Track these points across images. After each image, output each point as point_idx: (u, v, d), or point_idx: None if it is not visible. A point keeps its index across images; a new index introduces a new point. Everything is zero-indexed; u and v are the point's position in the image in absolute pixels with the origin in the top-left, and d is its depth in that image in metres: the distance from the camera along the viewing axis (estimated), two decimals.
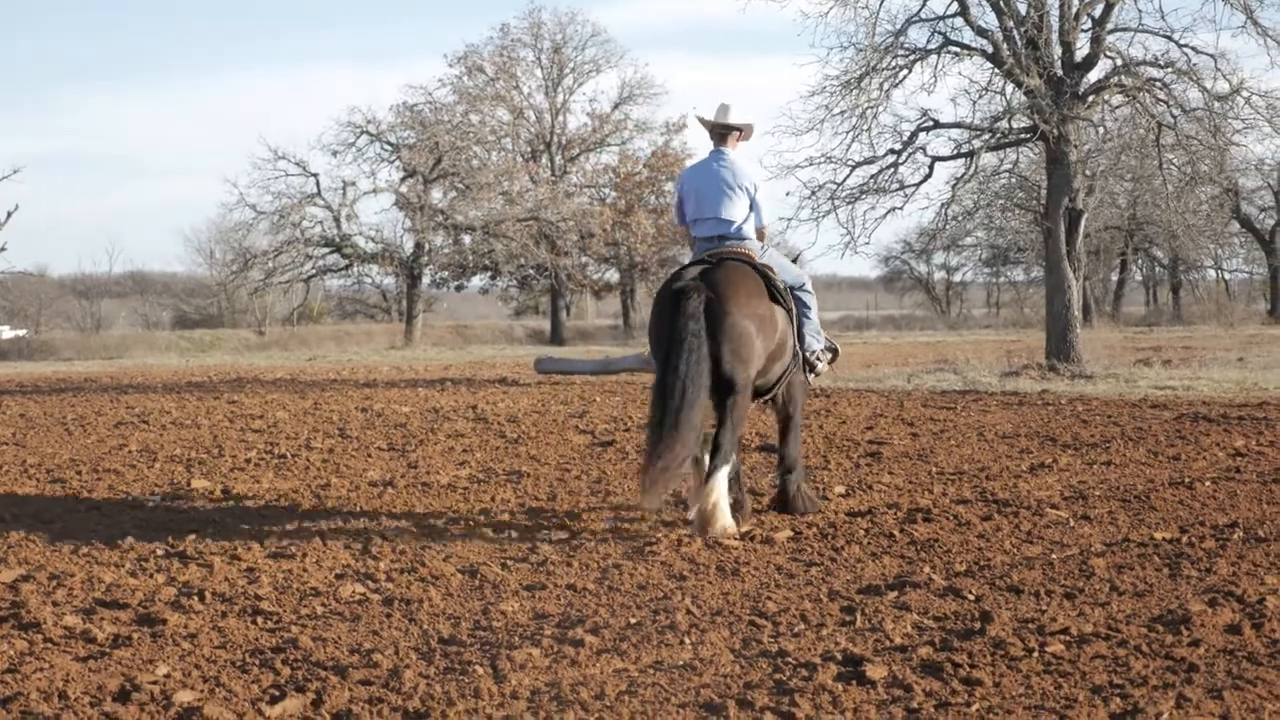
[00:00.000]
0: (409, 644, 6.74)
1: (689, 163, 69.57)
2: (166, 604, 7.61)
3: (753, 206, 10.72)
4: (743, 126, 10.89)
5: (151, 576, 8.38)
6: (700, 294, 9.77)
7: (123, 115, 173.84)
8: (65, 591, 7.97)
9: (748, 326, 9.89)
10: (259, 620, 7.28)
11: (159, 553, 9.13)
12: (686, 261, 10.73)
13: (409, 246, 57.75)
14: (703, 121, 10.94)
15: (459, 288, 69.15)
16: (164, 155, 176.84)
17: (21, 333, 75.39)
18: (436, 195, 57.94)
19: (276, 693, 5.99)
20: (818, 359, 11.00)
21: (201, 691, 6.00)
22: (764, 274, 10.36)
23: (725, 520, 9.68)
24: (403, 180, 57.07)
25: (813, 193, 27.00)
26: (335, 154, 56.28)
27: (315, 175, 55.06)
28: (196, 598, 7.73)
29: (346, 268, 58.73)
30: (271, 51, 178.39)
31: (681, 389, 9.47)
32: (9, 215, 61.34)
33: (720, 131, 10.84)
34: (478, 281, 68.37)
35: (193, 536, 9.65)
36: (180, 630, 7.03)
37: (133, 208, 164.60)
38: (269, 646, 6.73)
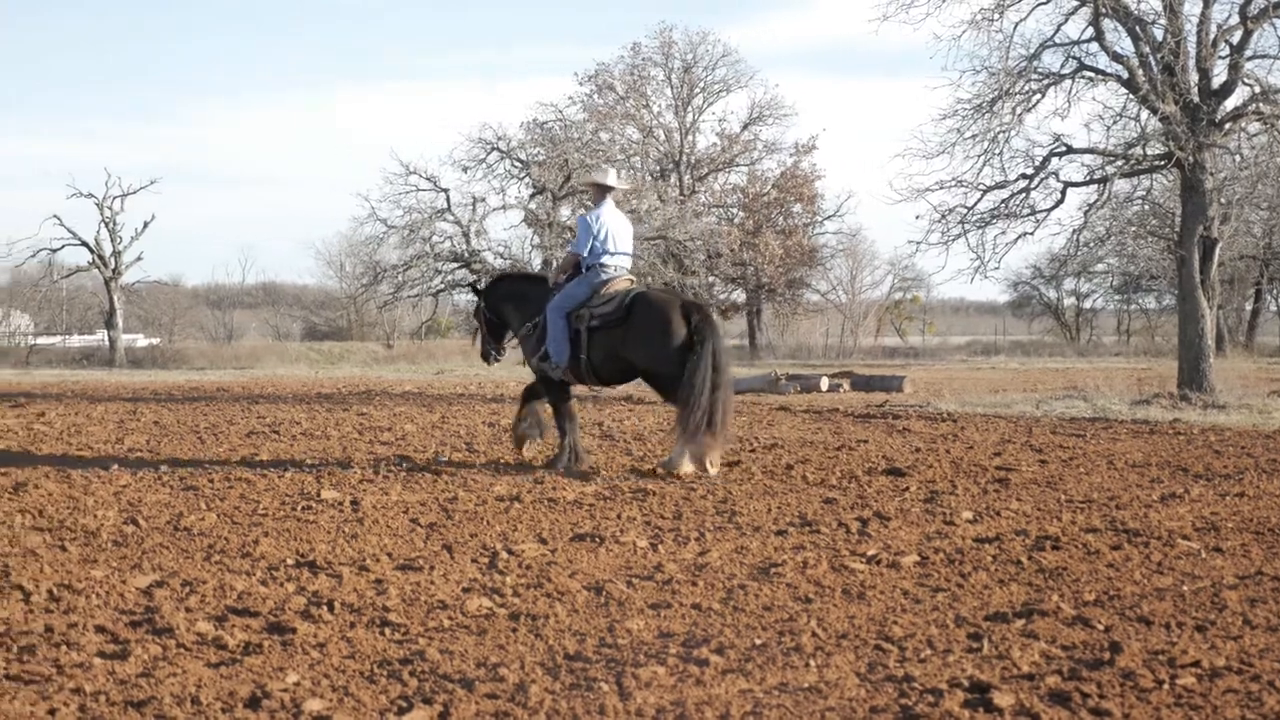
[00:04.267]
0: (535, 659, 6.78)
1: (818, 184, 69.51)
2: (296, 613, 7.70)
3: None
4: (621, 187, 16.02)
5: (282, 585, 8.48)
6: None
7: (257, 128, 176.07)
8: (198, 598, 8.08)
9: None
10: (387, 631, 7.34)
11: (289, 562, 9.24)
12: (605, 278, 14.76)
13: (537, 263, 57.88)
14: (594, 181, 15.47)
15: None
16: (297, 168, 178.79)
17: (155, 341, 76.50)
18: (565, 212, 58.06)
19: (404, 704, 6.05)
20: None
21: (330, 700, 6.07)
22: None
23: None
24: (532, 197, 57.20)
25: (943, 216, 26.88)
26: (466, 170, 56.39)
27: (446, 191, 55.25)
28: (326, 608, 7.81)
29: (475, 283, 58.98)
30: (404, 67, 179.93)
31: (728, 376, 14.56)
32: (145, 225, 62.46)
33: (607, 188, 15.20)
34: None
35: (323, 547, 9.76)
36: (310, 639, 7.11)
37: (265, 220, 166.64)
38: (397, 658, 6.79)
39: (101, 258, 61.59)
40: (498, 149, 56.96)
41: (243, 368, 50.93)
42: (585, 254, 14.83)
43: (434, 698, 6.12)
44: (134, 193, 62.01)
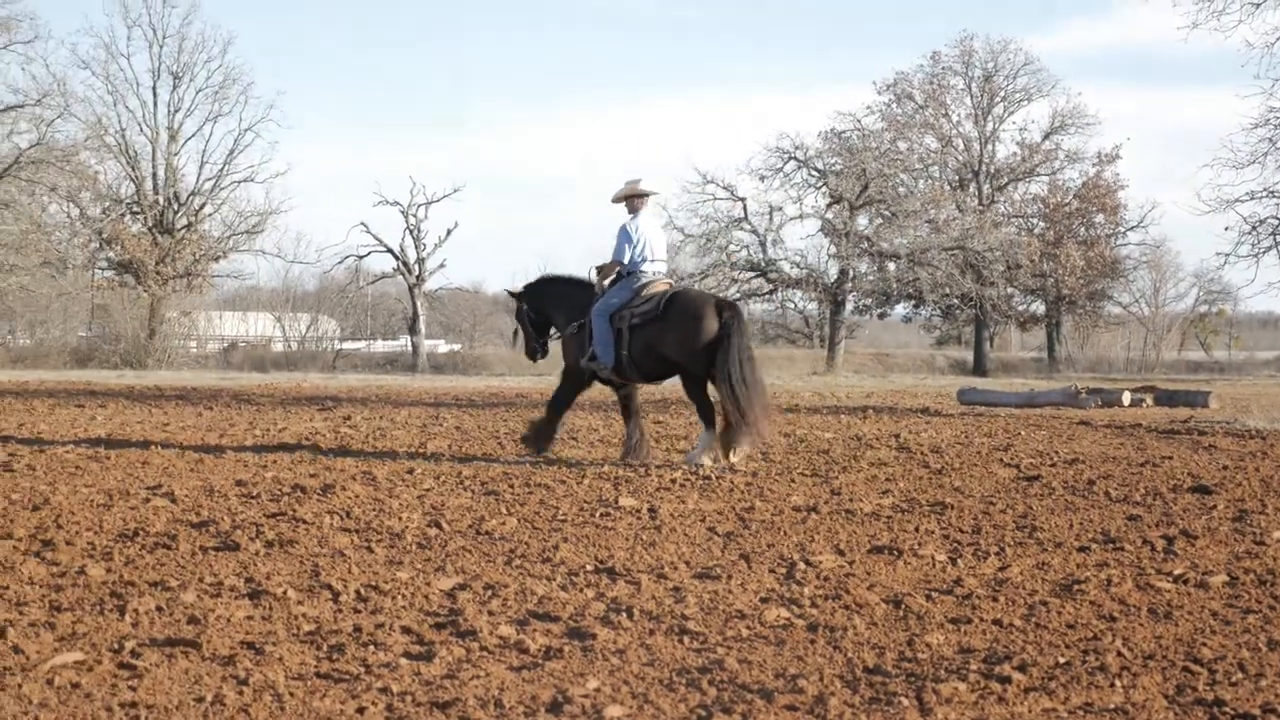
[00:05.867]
0: (833, 671, 6.73)
1: (1121, 194, 68.10)
2: (596, 619, 7.77)
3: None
4: (654, 194, 16.58)
5: (581, 591, 8.57)
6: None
7: (556, 136, 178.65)
8: (499, 601, 8.21)
9: None
10: (685, 640, 7.36)
11: (588, 568, 9.33)
12: (645, 281, 15.90)
13: (833, 273, 57.89)
14: (631, 190, 16.15)
15: (882, 315, 69.08)
16: (593, 176, 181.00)
17: (456, 347, 78.20)
18: (862, 222, 57.99)
19: (703, 713, 6.05)
20: None
21: (630, 707, 6.11)
22: None
23: None
24: (829, 206, 57.25)
25: (1253, 228, 26.25)
26: (763, 179, 56.87)
27: (743, 200, 55.70)
28: (625, 614, 7.86)
29: (771, 292, 59.22)
30: (702, 76, 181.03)
31: (755, 370, 15.23)
32: (448, 233, 63.80)
33: (641, 196, 16.18)
34: (900, 310, 68.23)
35: (621, 553, 9.85)
36: (609, 645, 7.17)
37: (562, 227, 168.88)
38: (695, 666, 6.81)
39: (406, 264, 63.07)
40: (795, 158, 57.13)
41: (541, 374, 51.65)
42: (626, 261, 15.98)
43: (733, 707, 6.12)
44: (437, 200, 63.43)
